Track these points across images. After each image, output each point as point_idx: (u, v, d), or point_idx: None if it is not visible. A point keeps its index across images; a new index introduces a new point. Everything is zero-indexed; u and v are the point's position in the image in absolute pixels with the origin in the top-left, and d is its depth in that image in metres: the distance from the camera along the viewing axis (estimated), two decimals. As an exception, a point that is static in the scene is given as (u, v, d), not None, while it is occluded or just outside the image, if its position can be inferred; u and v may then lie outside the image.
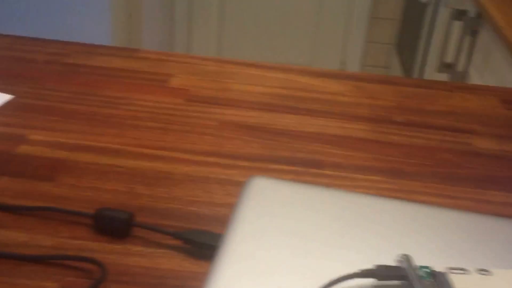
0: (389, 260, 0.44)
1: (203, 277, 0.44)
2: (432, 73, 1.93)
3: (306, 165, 0.63)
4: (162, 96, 0.75)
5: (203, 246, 0.48)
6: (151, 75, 0.81)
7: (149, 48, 2.29)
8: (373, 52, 2.98)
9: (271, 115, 0.73)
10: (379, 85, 0.83)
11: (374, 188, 0.60)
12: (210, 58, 0.89)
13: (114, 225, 0.49)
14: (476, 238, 0.48)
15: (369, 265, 0.43)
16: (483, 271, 0.44)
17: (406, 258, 0.43)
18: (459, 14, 1.58)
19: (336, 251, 0.46)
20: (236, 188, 0.57)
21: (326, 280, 0.42)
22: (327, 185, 0.60)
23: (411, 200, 0.56)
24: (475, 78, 1.45)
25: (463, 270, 0.44)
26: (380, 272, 0.42)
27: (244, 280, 0.42)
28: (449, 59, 1.65)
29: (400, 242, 0.47)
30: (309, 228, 0.48)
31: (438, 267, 0.44)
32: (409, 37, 2.47)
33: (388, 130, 0.71)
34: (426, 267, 0.44)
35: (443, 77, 1.69)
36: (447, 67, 1.62)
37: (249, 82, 0.82)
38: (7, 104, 0.70)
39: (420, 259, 0.45)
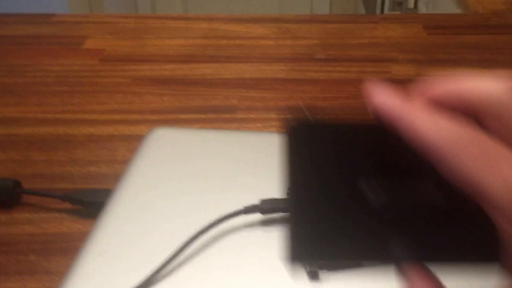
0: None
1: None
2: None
3: (219, 111, 0.61)
4: (74, 59, 0.72)
5: (92, 204, 0.46)
6: (65, 39, 0.78)
7: (113, 11, 2.23)
8: (339, 0, 2.92)
9: (188, 66, 0.70)
10: (303, 25, 0.80)
11: (286, 126, 0.58)
12: (131, 15, 0.86)
13: (-1, 195, 0.47)
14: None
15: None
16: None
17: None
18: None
19: (230, 192, 0.44)
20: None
21: (210, 220, 0.40)
22: (237, 129, 0.58)
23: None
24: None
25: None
26: (264, 206, 0.41)
27: (127, 233, 0.40)
28: (400, -4, 1.61)
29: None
30: (204, 173, 0.46)
31: None
32: (369, -20, 2.41)
33: (308, 68, 0.68)
34: None
35: (399, 15, 1.65)
36: (399, 5, 1.58)
37: (169, 35, 0.79)
38: None
39: None
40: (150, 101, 0.63)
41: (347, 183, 0.22)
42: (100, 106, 0.62)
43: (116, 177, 0.51)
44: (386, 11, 2.03)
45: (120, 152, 0.55)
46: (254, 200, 0.41)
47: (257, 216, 0.42)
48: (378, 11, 2.21)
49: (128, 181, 0.46)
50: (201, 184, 0.45)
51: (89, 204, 0.45)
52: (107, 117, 0.60)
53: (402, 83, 0.64)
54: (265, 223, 0.42)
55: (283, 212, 0.41)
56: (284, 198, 0.41)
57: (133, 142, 0.56)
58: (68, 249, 0.43)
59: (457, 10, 0.99)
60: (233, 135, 0.52)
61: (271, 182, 0.44)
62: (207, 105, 0.62)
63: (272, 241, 0.40)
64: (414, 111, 0.21)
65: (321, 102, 0.61)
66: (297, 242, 0.22)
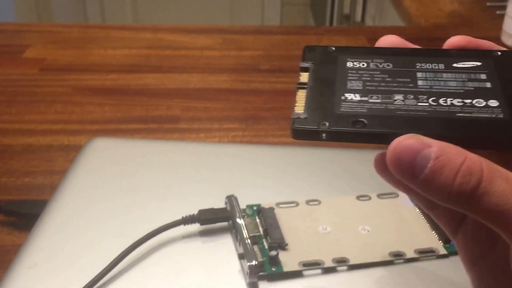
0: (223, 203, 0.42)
1: (22, 247, 0.41)
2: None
3: (161, 121, 0.60)
4: (13, 68, 0.70)
5: (27, 216, 0.44)
6: (5, 48, 0.76)
7: (62, 19, 2.18)
8: (290, 13, 2.96)
9: (131, 76, 0.70)
10: (249, 36, 0.81)
11: (228, 136, 0.58)
12: (75, 24, 0.84)
13: None
14: (311, 169, 0.47)
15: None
16: (312, 201, 0.43)
17: (231, 199, 0.41)
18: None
19: (167, 202, 0.44)
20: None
21: (148, 230, 0.40)
22: (179, 139, 0.57)
23: (255, 143, 0.55)
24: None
25: (292, 203, 0.43)
26: (202, 216, 0.40)
27: (61, 245, 0.39)
28: (347, 10, 1.65)
29: (239, 184, 0.45)
30: (143, 183, 0.46)
31: (268, 203, 0.42)
32: (317, -5, 2.46)
33: (252, 79, 0.69)
34: (255, 205, 0.42)
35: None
36: (347, 18, 1.62)
37: (113, 45, 0.78)
38: None
39: (254, 198, 0.43)
40: (90, 111, 0.62)
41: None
42: (38, 116, 0.61)
43: (53, 188, 0.50)
44: (334, 24, 2.07)
45: (58, 162, 0.53)
46: (193, 210, 0.41)
47: (195, 227, 0.41)
48: (327, 23, 2.26)
49: (64, 192, 0.45)
50: (140, 194, 0.45)
51: (24, 216, 0.44)
52: (45, 127, 0.59)
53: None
54: (203, 233, 0.41)
55: (222, 221, 0.41)
56: (221, 208, 0.41)
57: (72, 153, 0.55)
58: (1, 262, 0.41)
59: (402, 23, 1.02)
60: (174, 146, 0.52)
61: (210, 193, 0.44)
62: (149, 115, 0.61)
63: (211, 251, 0.40)
64: None
65: (265, 113, 0.62)
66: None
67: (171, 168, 0.48)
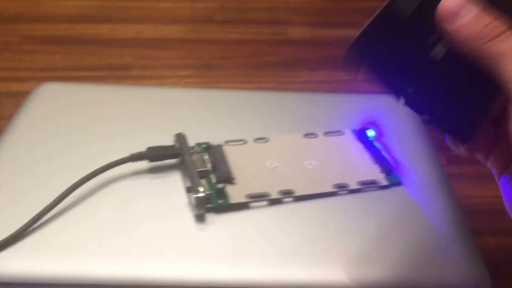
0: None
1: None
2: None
3: (113, 69, 0.60)
4: (-41, 18, 0.68)
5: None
6: (-50, -2, 0.73)
7: None
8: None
9: (83, 26, 0.68)
10: (204, -12, 0.80)
11: (181, 83, 0.58)
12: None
13: None
14: (261, 111, 0.47)
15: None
16: (260, 139, 0.44)
17: (180, 137, 0.42)
18: None
19: (117, 141, 0.44)
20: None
21: (95, 167, 0.40)
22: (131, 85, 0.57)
23: (206, 87, 0.55)
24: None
25: (240, 141, 0.43)
26: (151, 153, 0.41)
27: (7, 187, 0.39)
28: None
29: (189, 125, 0.45)
30: (91, 124, 0.45)
31: (217, 141, 0.43)
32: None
33: (206, 29, 0.69)
34: (204, 143, 0.43)
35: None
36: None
37: (65, -4, 0.76)
38: None
39: (203, 137, 0.43)
40: (41, 59, 0.61)
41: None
42: (-14, 64, 0.59)
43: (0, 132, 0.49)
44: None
45: (6, 108, 0.53)
46: (142, 148, 0.41)
47: (144, 164, 0.41)
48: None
49: (11, 133, 0.44)
50: (88, 135, 0.44)
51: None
52: (-7, 75, 0.58)
53: (298, 43, 0.66)
54: (152, 170, 0.42)
55: (171, 158, 0.41)
56: (170, 145, 0.42)
57: (21, 99, 0.54)
58: None
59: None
60: (125, 90, 0.52)
61: (159, 132, 0.44)
62: (101, 63, 0.61)
63: (159, 188, 0.40)
64: None
65: (218, 61, 0.62)
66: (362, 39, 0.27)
67: (122, 111, 0.47)
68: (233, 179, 0.40)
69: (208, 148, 0.42)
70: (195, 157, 0.41)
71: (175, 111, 0.47)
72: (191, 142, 0.42)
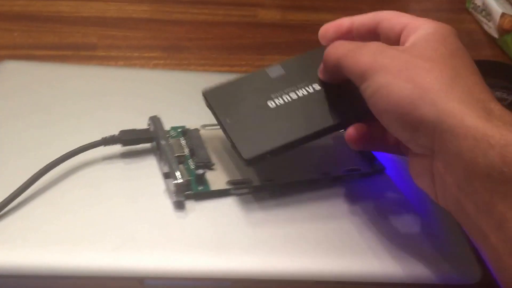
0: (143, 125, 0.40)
1: None
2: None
3: (76, 49, 0.56)
4: None
5: None
6: None
7: None
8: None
9: (42, 2, 0.64)
10: (169, -32, 0.77)
11: (150, 65, 0.55)
12: None
13: None
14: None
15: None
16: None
17: (154, 120, 0.39)
18: None
19: (85, 124, 0.41)
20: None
21: (66, 151, 0.37)
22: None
23: (178, 70, 0.53)
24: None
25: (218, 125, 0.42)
26: (124, 137, 0.38)
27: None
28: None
29: (161, 108, 0.43)
30: (57, 105, 0.43)
31: (193, 125, 0.41)
32: None
33: (173, 9, 0.66)
34: (180, 127, 0.41)
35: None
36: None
37: (20, -29, 0.71)
38: None
39: (177, 121, 0.41)
40: (-3, 36, 0.57)
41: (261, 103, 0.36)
42: None
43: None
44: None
45: (-39, 87, 0.49)
46: (114, 132, 0.39)
47: (116, 148, 0.39)
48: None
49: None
50: (54, 116, 0.42)
51: None
52: None
53: (268, 27, 0.64)
54: (125, 155, 0.40)
55: (145, 142, 0.39)
56: (145, 129, 0.40)
57: (-23, 78, 0.50)
58: None
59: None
60: (92, 70, 0.49)
61: (131, 115, 0.42)
62: (63, 42, 0.57)
63: (134, 173, 0.38)
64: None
65: (187, 43, 0.60)
66: (243, 146, 0.34)
67: (89, 92, 0.45)
68: (212, 164, 0.38)
69: (184, 132, 0.40)
70: (171, 141, 0.39)
71: (146, 93, 0.45)
72: (165, 125, 0.40)
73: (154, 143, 0.39)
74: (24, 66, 0.48)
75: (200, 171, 0.37)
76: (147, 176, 0.38)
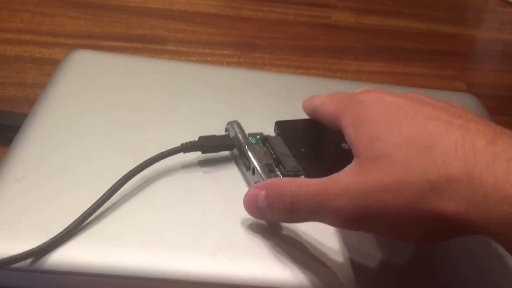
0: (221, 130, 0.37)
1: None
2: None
3: (146, 41, 0.54)
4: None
5: (1, 127, 0.38)
6: None
7: None
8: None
9: (107, -9, 0.62)
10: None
11: (223, 62, 0.52)
12: None
13: None
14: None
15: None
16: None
17: (234, 125, 0.36)
18: None
19: (164, 124, 0.38)
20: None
21: (145, 158, 0.34)
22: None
23: (255, 69, 0.50)
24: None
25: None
26: (205, 143, 0.35)
27: (49, 160, 0.33)
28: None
29: (241, 109, 0.40)
30: (135, 103, 0.40)
31: (271, 132, 0.38)
32: None
33: (242, 5, 0.63)
34: (257, 134, 0.37)
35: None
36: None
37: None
38: None
39: (256, 123, 0.38)
40: (63, 23, 0.55)
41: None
42: (1, 24, 0.53)
43: (27, 101, 0.43)
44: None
45: (31, 75, 0.46)
46: (188, 135, 0.36)
47: (194, 155, 0.36)
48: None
49: (47, 105, 0.38)
50: (131, 115, 0.39)
51: (0, 127, 0.38)
52: (11, 36, 0.51)
53: (343, 29, 0.61)
54: (203, 163, 0.36)
55: (226, 150, 0.36)
56: (225, 135, 0.36)
57: (46, 66, 0.48)
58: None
59: None
60: (166, 64, 0.46)
61: (207, 115, 0.39)
62: (131, 33, 0.55)
63: (216, 181, 0.35)
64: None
65: (259, 41, 0.57)
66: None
67: (164, 88, 0.42)
68: (301, 173, 0.35)
69: (264, 139, 0.37)
70: (257, 149, 0.36)
71: (225, 92, 0.42)
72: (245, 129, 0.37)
73: (235, 150, 0.36)
74: (97, 56, 0.45)
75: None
76: (232, 184, 0.35)
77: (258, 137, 0.37)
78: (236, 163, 0.36)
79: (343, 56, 0.56)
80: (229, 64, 0.52)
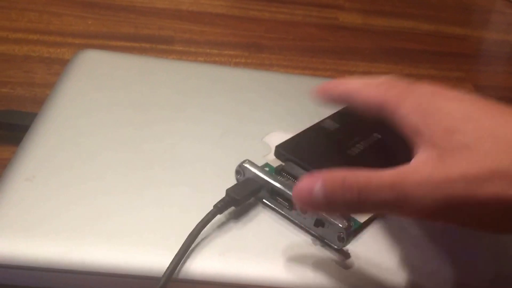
0: (235, 130, 0.37)
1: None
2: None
3: (154, 41, 0.54)
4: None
5: (10, 127, 0.38)
6: None
7: None
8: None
9: (114, -9, 0.62)
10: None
11: (231, 63, 0.52)
12: None
13: None
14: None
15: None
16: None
17: (248, 166, 0.32)
18: None
19: (173, 124, 0.38)
20: (64, 67, 0.47)
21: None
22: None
23: (263, 70, 0.50)
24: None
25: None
26: (237, 196, 0.31)
27: (59, 159, 0.33)
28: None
29: (247, 110, 0.40)
30: (143, 102, 0.40)
31: (275, 161, 0.35)
32: None
33: (249, 6, 0.63)
34: (265, 166, 0.34)
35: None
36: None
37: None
38: None
39: (264, 126, 0.38)
40: (70, 23, 0.55)
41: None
42: (10, 23, 0.53)
43: (35, 101, 0.43)
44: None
45: (39, 74, 0.46)
46: (199, 135, 0.36)
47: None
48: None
49: (56, 105, 0.38)
50: (140, 114, 0.39)
51: (9, 127, 0.38)
52: (19, 36, 0.51)
53: (350, 30, 0.61)
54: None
55: (254, 196, 0.32)
56: (247, 180, 0.32)
57: (55, 66, 0.48)
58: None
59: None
60: (175, 65, 0.46)
61: (215, 116, 0.39)
62: (139, 33, 0.55)
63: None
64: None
65: (267, 42, 0.57)
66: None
67: (173, 88, 0.42)
68: None
69: (281, 169, 0.33)
70: (284, 182, 0.32)
71: (233, 92, 0.42)
72: (257, 130, 0.36)
73: (264, 191, 0.32)
74: (105, 56, 0.45)
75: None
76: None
77: (267, 169, 0.34)
78: (265, 205, 0.32)
79: (351, 57, 0.56)
80: (236, 64, 0.52)
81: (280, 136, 0.37)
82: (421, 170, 0.25)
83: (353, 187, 0.25)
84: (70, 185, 0.31)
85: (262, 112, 0.40)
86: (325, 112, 0.36)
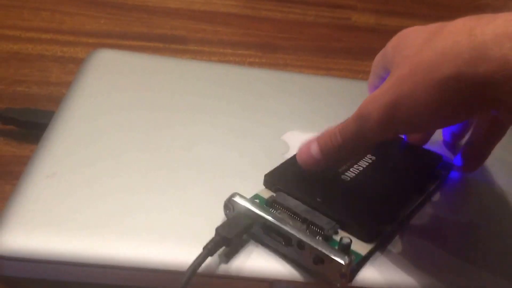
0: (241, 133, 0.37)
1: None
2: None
3: (167, 41, 0.54)
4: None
5: (29, 125, 0.38)
6: None
7: None
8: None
9: (125, -9, 0.62)
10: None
11: (245, 62, 0.52)
12: None
13: None
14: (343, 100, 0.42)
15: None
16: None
17: (238, 199, 0.29)
18: None
19: (187, 123, 0.38)
20: (78, 66, 0.47)
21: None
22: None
23: (277, 70, 0.49)
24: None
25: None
26: (228, 235, 0.28)
27: (78, 156, 0.33)
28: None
29: (262, 110, 0.40)
30: (159, 101, 0.39)
31: (266, 192, 0.32)
32: None
33: (261, 6, 0.63)
34: (254, 197, 0.31)
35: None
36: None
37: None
38: None
39: (277, 126, 0.38)
40: (83, 22, 0.54)
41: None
42: (22, 22, 0.53)
43: (51, 100, 0.43)
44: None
45: (54, 73, 0.46)
46: (211, 134, 0.35)
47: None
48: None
49: (74, 104, 0.38)
50: (155, 113, 0.38)
51: (26, 124, 0.37)
52: (32, 35, 0.51)
53: (363, 31, 0.61)
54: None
55: (245, 233, 0.29)
56: (237, 215, 0.29)
57: (69, 65, 0.48)
58: (1, 173, 0.35)
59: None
60: (190, 64, 0.46)
61: (230, 115, 0.39)
62: (152, 33, 0.55)
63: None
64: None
65: (280, 42, 0.56)
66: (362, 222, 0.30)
67: (188, 88, 0.41)
68: (338, 226, 0.30)
69: (272, 201, 0.31)
70: (279, 215, 0.29)
71: (248, 92, 0.42)
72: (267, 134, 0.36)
73: (256, 226, 0.29)
74: (119, 55, 0.45)
75: (347, 240, 0.27)
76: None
77: (257, 200, 0.31)
78: (258, 241, 0.29)
79: (364, 57, 0.56)
80: (251, 64, 0.52)
81: (298, 135, 0.37)
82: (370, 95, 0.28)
83: (335, 133, 0.29)
84: (90, 182, 0.31)
85: (280, 111, 0.40)
86: (342, 112, 0.36)
